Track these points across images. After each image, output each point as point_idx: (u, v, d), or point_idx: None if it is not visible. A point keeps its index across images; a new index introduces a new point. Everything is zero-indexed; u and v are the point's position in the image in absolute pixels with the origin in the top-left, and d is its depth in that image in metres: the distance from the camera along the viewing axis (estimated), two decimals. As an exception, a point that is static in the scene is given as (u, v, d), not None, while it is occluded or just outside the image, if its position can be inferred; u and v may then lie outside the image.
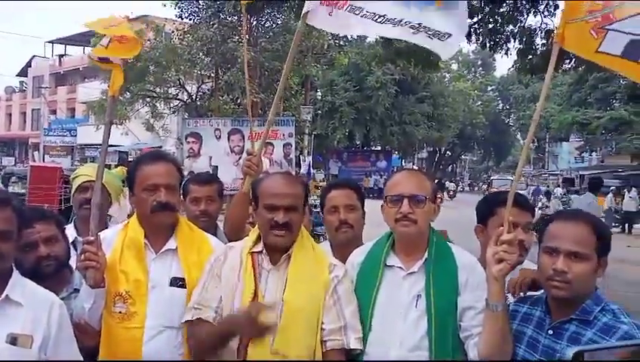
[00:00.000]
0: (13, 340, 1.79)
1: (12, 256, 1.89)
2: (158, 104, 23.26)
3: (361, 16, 2.27)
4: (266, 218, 2.00)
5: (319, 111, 28.72)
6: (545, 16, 9.24)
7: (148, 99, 22.56)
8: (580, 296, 1.79)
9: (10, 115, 50.68)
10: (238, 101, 20.94)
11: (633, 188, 20.30)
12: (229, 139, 13.54)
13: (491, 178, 42.72)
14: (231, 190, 4.29)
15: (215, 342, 1.94)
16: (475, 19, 9.67)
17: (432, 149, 50.49)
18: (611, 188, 19.25)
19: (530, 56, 9.43)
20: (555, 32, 1.95)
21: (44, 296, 1.94)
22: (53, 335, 1.87)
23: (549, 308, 1.87)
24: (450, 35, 2.14)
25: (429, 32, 2.16)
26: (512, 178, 21.03)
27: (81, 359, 1.98)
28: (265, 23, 21.47)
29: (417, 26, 2.17)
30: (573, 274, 1.75)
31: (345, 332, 1.96)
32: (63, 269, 2.25)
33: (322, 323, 1.96)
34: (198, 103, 22.79)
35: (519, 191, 2.27)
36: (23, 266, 2.10)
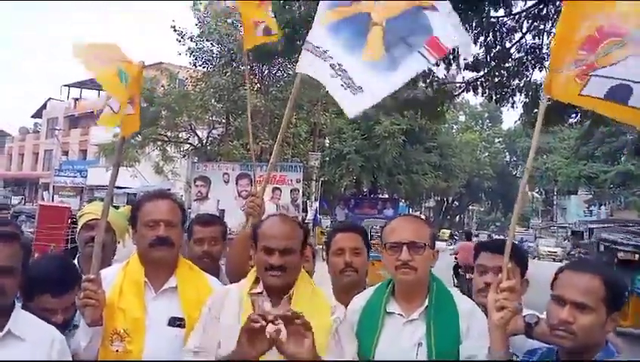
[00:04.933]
0: None
1: (15, 291, 1.91)
2: (168, 148, 23.58)
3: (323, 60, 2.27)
4: (262, 260, 2.01)
5: (327, 158, 28.92)
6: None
7: (159, 143, 22.89)
8: (589, 348, 1.76)
9: (23, 155, 51.48)
10: (248, 147, 21.21)
11: None
12: (237, 183, 13.66)
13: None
14: (237, 234, 4.30)
15: None
16: (482, 73, 9.88)
17: (439, 198, 50.43)
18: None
19: (536, 110, 9.56)
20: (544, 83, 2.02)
21: (45, 331, 1.94)
22: None
23: (560, 360, 1.84)
24: (362, 91, 2.08)
25: (344, 80, 2.12)
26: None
27: None
28: (276, 73, 22.01)
29: (338, 66, 2.15)
30: (578, 325, 1.73)
31: None
32: (69, 319, 2.23)
33: None
34: (209, 148, 23.08)
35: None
36: (28, 308, 2.09)
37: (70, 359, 1.98)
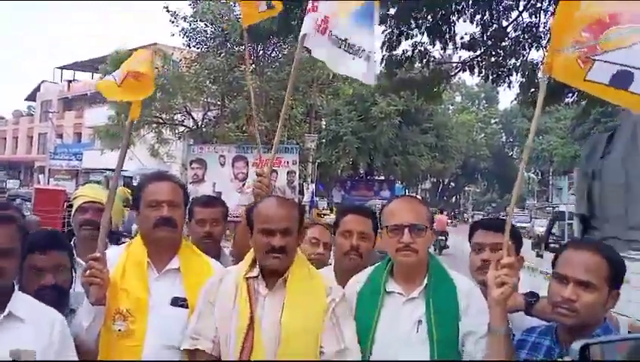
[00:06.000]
0: (16, 355, 1.79)
1: (14, 272, 1.91)
2: (163, 130, 23.47)
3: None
4: (262, 242, 2.00)
5: (323, 140, 28.88)
6: (547, 51, 9.38)
7: (154, 125, 22.77)
8: (588, 326, 1.78)
9: (17, 138, 51.17)
10: (244, 128, 21.12)
11: None
12: (233, 165, 13.62)
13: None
14: (234, 216, 4.31)
15: None
16: (478, 52, 9.82)
17: (435, 180, 50.57)
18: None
19: (533, 90, 9.53)
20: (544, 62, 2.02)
21: (46, 313, 1.95)
22: (56, 351, 1.88)
23: (559, 337, 1.87)
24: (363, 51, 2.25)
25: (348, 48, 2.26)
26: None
27: None
28: (271, 53, 21.83)
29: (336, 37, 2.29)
30: (581, 303, 1.76)
31: (344, 354, 1.95)
32: (63, 298, 2.25)
33: (321, 346, 1.95)
34: (204, 130, 22.98)
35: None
36: (25, 286, 2.11)
37: (71, 340, 1.99)
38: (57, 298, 2.16)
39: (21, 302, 1.91)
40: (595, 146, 7.09)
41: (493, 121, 57.84)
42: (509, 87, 10.08)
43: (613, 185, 6.27)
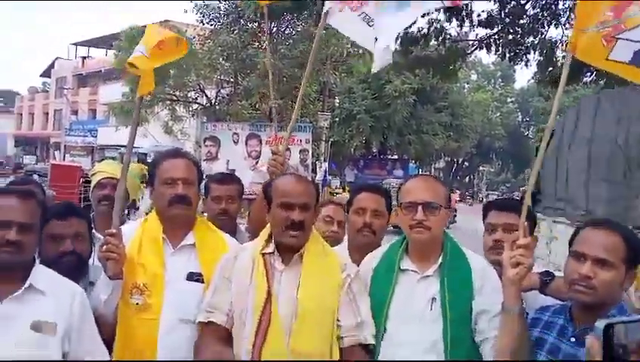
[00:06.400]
0: (37, 327, 1.84)
1: (34, 247, 1.95)
2: (177, 107, 23.52)
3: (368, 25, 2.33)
4: (281, 217, 2.02)
5: (337, 119, 28.75)
6: (566, 29, 9.19)
7: (168, 102, 22.83)
8: (604, 305, 1.78)
9: (33, 114, 51.64)
10: (257, 106, 21.09)
11: None
12: (246, 143, 13.64)
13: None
14: (248, 194, 4.35)
15: None
16: (495, 30, 9.66)
17: (449, 159, 50.25)
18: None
19: (551, 68, 9.37)
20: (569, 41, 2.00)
21: (66, 285, 1.99)
22: (77, 324, 1.92)
23: (573, 316, 1.87)
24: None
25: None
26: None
27: (105, 349, 2.03)
28: (285, 30, 21.63)
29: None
30: (599, 281, 1.76)
31: (361, 328, 1.98)
32: (82, 266, 2.30)
33: (338, 320, 1.98)
34: (217, 108, 22.99)
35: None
36: (45, 256, 2.17)
37: (90, 312, 2.04)
38: (77, 264, 2.23)
39: (42, 275, 1.95)
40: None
41: (509, 100, 57.02)
42: (526, 65, 9.95)
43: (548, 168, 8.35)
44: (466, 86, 47.36)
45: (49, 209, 2.21)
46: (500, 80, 58.60)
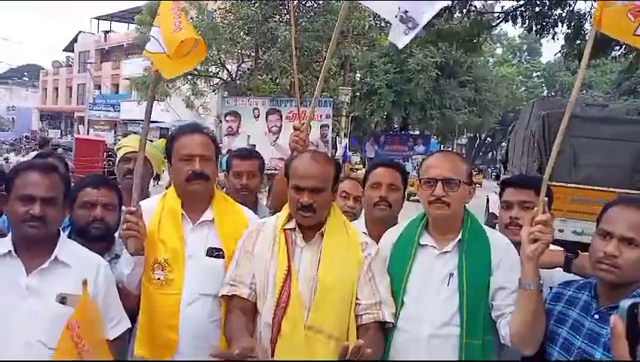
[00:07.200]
0: (62, 299, 1.89)
1: (59, 221, 1.99)
2: (198, 82, 23.55)
3: None
4: (293, 198, 2.04)
5: (357, 93, 28.46)
6: (595, 0, 8.89)
7: (189, 77, 22.87)
8: (629, 284, 1.77)
9: (57, 88, 52.28)
10: (277, 81, 20.99)
11: None
12: (266, 118, 13.67)
13: None
14: (267, 169, 4.38)
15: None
16: (522, 2, 9.39)
17: (472, 135, 49.57)
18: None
19: (579, 42, 9.11)
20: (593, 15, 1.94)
21: (90, 258, 2.04)
22: (102, 295, 1.98)
23: (597, 293, 1.86)
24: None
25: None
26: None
27: (128, 320, 2.09)
28: (306, 3, 21.36)
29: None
30: (624, 259, 1.74)
31: (380, 307, 2.00)
32: (109, 237, 2.36)
33: (357, 298, 2.00)
34: (238, 82, 22.96)
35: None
36: (76, 224, 2.23)
37: (114, 284, 2.09)
38: (105, 233, 2.29)
39: (67, 248, 1.99)
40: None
41: (535, 74, 55.71)
42: (553, 38, 9.66)
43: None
44: (491, 60, 46.36)
45: (83, 179, 2.33)
46: (525, 53, 57.19)
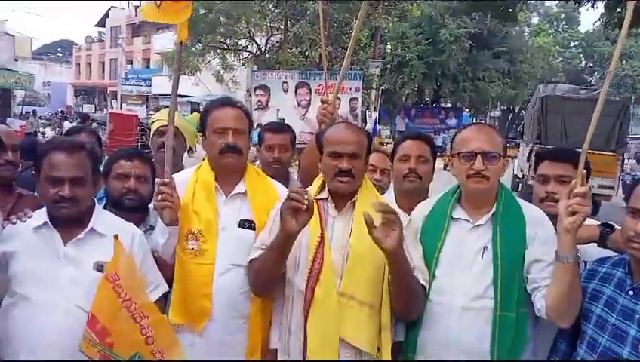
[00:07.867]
0: (99, 267, 1.96)
1: (88, 198, 2.04)
2: (228, 55, 23.56)
3: None
4: (331, 165, 2.05)
5: (388, 66, 28.02)
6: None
7: (218, 51, 22.87)
8: None
9: (90, 64, 53.11)
10: (307, 54, 20.83)
11: None
12: (296, 92, 13.59)
13: None
14: (298, 143, 4.40)
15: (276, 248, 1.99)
16: (561, -32, 9.01)
17: (505, 108, 48.37)
18: None
19: (619, 10, 8.73)
20: None
21: (125, 227, 2.09)
22: (138, 262, 2.03)
23: (631, 269, 1.84)
24: None
25: None
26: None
27: (166, 284, 2.15)
28: (336, -26, 20.98)
29: None
30: None
31: (414, 273, 2.00)
32: (143, 208, 2.41)
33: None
34: (267, 55, 22.87)
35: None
36: (111, 196, 2.29)
37: (150, 251, 2.15)
38: (139, 204, 2.34)
39: (102, 218, 2.05)
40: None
41: (572, 44, 53.75)
42: (592, 6, 9.28)
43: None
44: (527, 30, 44.87)
45: (116, 152, 2.40)
46: (563, 23, 55.12)
